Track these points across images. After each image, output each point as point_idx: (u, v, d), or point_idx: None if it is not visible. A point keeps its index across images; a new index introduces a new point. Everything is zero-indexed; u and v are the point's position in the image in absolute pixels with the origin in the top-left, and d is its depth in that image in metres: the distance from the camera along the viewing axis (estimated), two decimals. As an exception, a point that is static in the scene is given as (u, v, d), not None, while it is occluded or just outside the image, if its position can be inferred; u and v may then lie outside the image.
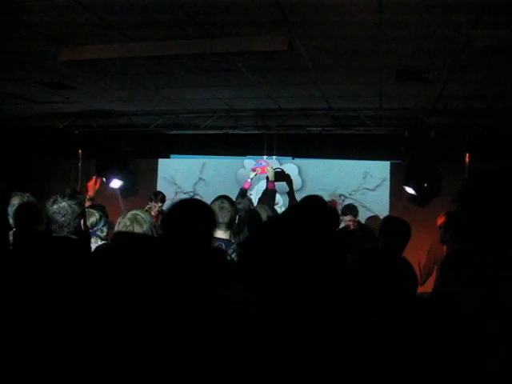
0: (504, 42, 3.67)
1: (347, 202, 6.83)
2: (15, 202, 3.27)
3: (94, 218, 3.50)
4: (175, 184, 7.87)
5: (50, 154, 8.08)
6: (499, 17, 3.35)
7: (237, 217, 3.61)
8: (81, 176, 7.88)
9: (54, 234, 2.67)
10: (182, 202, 2.63)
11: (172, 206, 2.53)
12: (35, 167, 8.24)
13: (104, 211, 3.58)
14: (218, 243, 3.22)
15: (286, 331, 1.57)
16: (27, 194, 3.38)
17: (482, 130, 6.23)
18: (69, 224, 2.61)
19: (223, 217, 3.37)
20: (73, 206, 2.64)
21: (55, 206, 2.63)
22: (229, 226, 3.40)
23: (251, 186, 6.60)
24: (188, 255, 2.32)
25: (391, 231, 3.90)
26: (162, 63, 4.39)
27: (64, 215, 2.61)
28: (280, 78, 5.09)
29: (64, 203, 2.63)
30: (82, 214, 2.74)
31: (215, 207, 3.40)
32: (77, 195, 2.78)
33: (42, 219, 3.59)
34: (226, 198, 3.55)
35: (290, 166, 7.47)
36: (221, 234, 3.34)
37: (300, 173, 7.47)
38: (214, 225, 2.71)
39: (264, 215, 4.19)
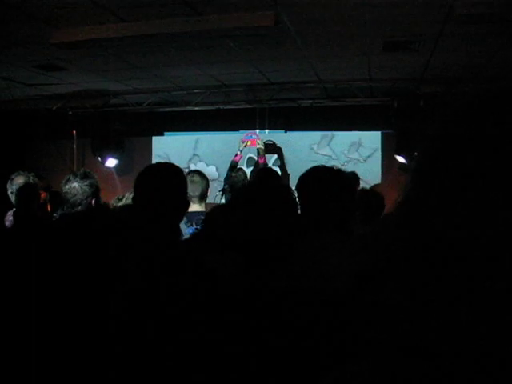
0: (486, 10, 3.74)
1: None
2: (20, 181, 3.30)
3: None
4: (170, 161, 7.88)
5: (43, 136, 8.09)
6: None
7: (209, 189, 3.75)
8: (76, 157, 7.95)
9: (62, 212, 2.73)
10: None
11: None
12: (29, 150, 8.27)
13: None
14: (198, 216, 3.29)
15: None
16: (32, 174, 3.41)
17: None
18: (79, 204, 2.67)
19: (194, 190, 3.52)
20: (83, 186, 2.70)
21: (67, 186, 2.69)
22: (201, 198, 3.58)
23: (241, 158, 6.70)
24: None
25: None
26: (153, 42, 4.43)
27: (75, 195, 2.67)
28: (269, 53, 5.13)
29: (75, 183, 2.69)
30: (94, 194, 2.77)
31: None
32: (90, 175, 2.82)
33: (40, 200, 3.66)
34: (196, 172, 3.71)
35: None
36: (196, 207, 3.51)
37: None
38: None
39: None
